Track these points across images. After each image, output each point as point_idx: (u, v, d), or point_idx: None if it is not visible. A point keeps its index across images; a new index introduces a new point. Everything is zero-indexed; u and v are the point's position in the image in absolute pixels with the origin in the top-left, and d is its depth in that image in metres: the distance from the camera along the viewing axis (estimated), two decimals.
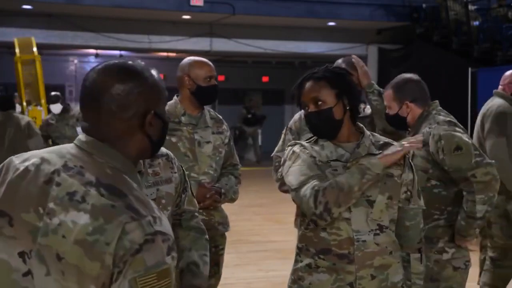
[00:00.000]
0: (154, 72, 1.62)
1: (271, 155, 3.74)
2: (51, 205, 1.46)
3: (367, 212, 2.40)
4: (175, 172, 2.34)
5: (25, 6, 13.49)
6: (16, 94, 11.38)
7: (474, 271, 5.31)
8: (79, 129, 7.75)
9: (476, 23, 13.89)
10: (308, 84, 2.46)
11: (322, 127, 2.46)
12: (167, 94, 1.65)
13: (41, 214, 1.46)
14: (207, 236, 2.45)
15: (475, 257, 5.70)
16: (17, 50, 11.20)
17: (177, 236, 2.36)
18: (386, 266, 2.44)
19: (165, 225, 1.45)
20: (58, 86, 15.15)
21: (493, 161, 3.24)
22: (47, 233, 1.44)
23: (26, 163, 1.55)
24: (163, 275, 1.40)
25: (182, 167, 2.41)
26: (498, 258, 4.80)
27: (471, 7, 13.98)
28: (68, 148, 1.57)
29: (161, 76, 1.67)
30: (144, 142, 1.58)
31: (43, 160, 1.54)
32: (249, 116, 18.27)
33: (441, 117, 3.24)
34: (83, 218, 1.41)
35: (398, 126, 3.41)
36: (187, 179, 2.42)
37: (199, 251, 2.38)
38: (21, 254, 1.47)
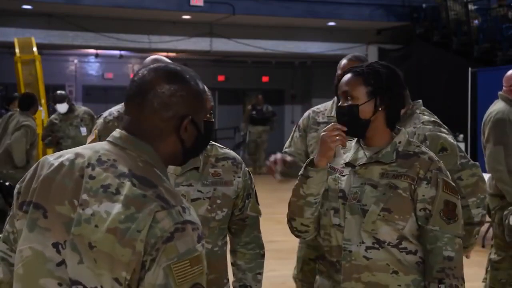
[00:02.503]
0: (200, 82, 1.66)
1: (282, 152, 3.69)
2: (84, 196, 1.52)
3: (360, 222, 2.25)
4: (239, 177, 2.47)
5: (25, 6, 13.49)
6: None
7: (478, 271, 5.31)
8: (83, 130, 7.74)
9: (476, 22, 13.88)
10: (345, 77, 2.32)
11: (346, 123, 2.28)
12: (209, 107, 1.70)
13: (75, 206, 1.52)
14: (263, 251, 2.60)
15: (477, 258, 5.69)
16: (17, 50, 11.17)
17: (235, 250, 2.59)
18: (380, 286, 2.24)
19: (194, 215, 1.52)
20: (58, 86, 15.09)
21: (477, 162, 3.22)
22: (79, 223, 1.50)
23: (61, 159, 1.61)
24: (195, 262, 1.46)
25: (250, 174, 2.52)
26: (497, 259, 4.79)
27: (471, 7, 13.98)
28: (102, 144, 1.63)
29: None
30: (176, 146, 1.62)
31: (78, 155, 1.60)
32: (253, 113, 15.90)
33: (426, 117, 3.19)
34: (116, 208, 1.48)
35: None
36: (253, 186, 2.52)
37: (254, 271, 2.56)
38: (55, 245, 1.53)
